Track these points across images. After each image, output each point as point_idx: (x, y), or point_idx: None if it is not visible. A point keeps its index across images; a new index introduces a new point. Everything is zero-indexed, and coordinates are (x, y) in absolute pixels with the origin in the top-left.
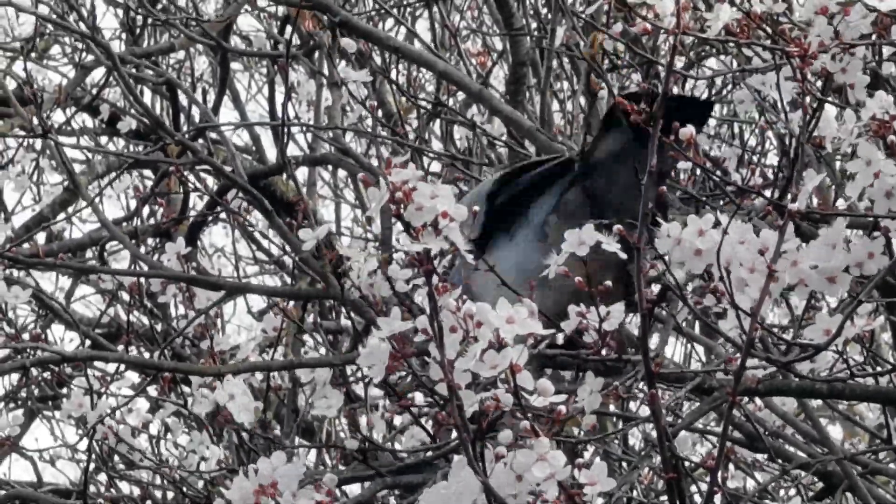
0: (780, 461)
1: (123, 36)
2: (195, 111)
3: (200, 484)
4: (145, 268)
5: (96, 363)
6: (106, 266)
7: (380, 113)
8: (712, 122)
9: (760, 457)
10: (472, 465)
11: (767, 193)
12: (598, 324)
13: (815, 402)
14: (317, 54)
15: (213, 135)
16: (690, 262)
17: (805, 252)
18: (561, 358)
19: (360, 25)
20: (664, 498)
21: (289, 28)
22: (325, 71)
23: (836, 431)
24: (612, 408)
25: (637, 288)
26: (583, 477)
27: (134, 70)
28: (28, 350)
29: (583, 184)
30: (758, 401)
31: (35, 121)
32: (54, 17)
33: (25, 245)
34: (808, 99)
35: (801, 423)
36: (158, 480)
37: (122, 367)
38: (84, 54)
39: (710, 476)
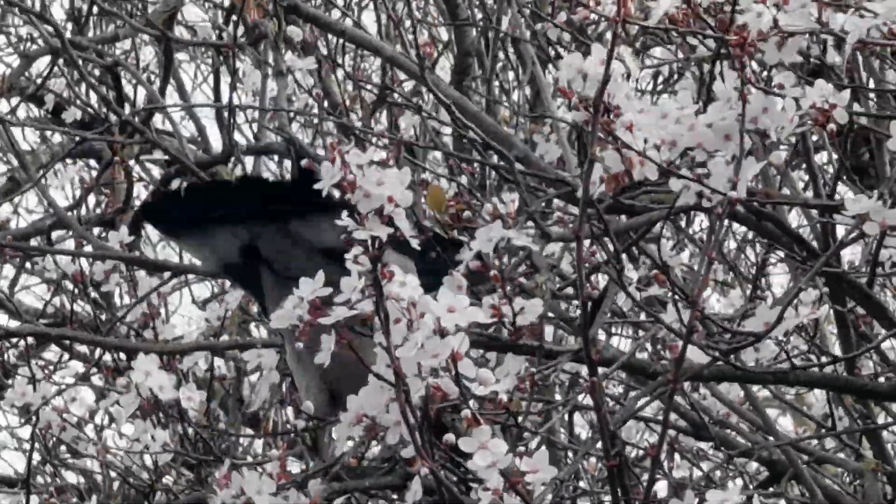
0: (724, 449)
1: (69, 26)
2: (140, 100)
3: (145, 475)
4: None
5: (42, 351)
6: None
7: (325, 103)
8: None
9: (705, 445)
10: (418, 452)
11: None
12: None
13: (764, 393)
14: (262, 45)
15: (159, 124)
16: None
17: (703, 116)
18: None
19: (307, 10)
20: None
21: (234, 17)
22: (271, 61)
23: (786, 422)
24: (556, 396)
25: (578, 277)
26: (524, 465)
27: (81, 53)
28: None
29: None
30: (702, 389)
31: None
32: None
33: None
34: (748, 87)
35: (745, 411)
36: (103, 469)
37: (66, 355)
38: (29, 44)
39: (651, 463)
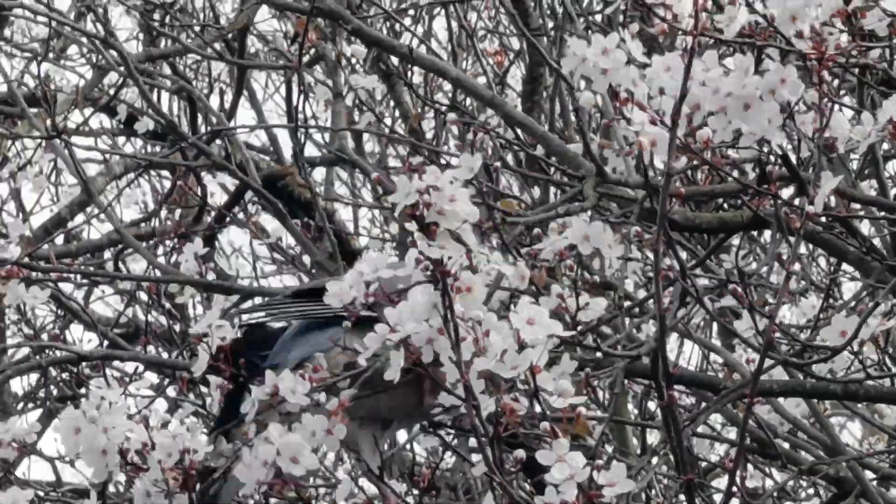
0: (790, 466)
1: (140, 37)
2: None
3: None
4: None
5: (114, 363)
6: (121, 272)
7: (396, 112)
8: None
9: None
10: (489, 466)
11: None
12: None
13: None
14: (325, 65)
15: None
16: (597, 80)
17: (725, 81)
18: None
19: (371, 33)
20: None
21: (300, 39)
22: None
23: (855, 428)
24: (629, 407)
25: (655, 289)
26: (602, 478)
27: (151, 68)
28: (46, 350)
29: None
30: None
31: (48, 122)
32: (69, 19)
33: (45, 246)
34: (825, 101)
35: (811, 428)
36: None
37: (140, 367)
38: (101, 55)
39: (728, 475)
